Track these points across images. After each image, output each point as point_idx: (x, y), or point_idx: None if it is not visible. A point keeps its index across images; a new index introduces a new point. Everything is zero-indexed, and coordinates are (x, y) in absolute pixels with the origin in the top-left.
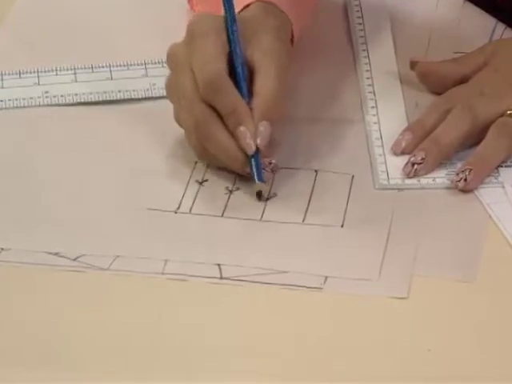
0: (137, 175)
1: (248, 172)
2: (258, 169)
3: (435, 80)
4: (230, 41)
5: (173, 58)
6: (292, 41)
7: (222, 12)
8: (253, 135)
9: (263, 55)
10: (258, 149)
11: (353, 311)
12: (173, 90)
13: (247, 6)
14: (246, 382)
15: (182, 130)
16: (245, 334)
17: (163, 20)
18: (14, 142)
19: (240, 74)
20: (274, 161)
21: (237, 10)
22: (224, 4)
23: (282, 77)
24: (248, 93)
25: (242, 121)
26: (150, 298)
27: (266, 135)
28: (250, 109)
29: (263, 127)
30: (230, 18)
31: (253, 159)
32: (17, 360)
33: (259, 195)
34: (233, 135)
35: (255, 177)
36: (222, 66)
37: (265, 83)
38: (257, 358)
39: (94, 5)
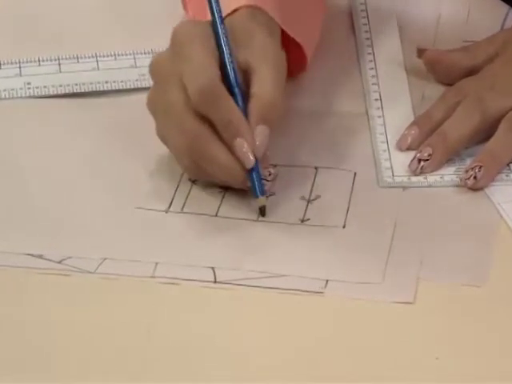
0: (125, 172)
1: (249, 186)
2: (258, 182)
3: (444, 69)
4: (218, 46)
5: (157, 69)
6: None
7: (208, 16)
8: (251, 146)
9: (257, 56)
10: (256, 160)
11: (355, 317)
12: (158, 105)
13: (234, 11)
14: None
15: None
16: (240, 342)
17: (151, 8)
18: None
19: (233, 80)
20: (273, 170)
21: (223, 15)
22: (210, 5)
23: (279, 77)
24: (243, 99)
25: (238, 132)
26: (140, 303)
27: (265, 141)
28: (246, 116)
29: (260, 133)
30: (219, 20)
31: (253, 173)
32: (2, 364)
33: (262, 210)
34: (229, 149)
35: (257, 192)
36: (214, 73)
37: (261, 85)
38: (253, 366)
39: None
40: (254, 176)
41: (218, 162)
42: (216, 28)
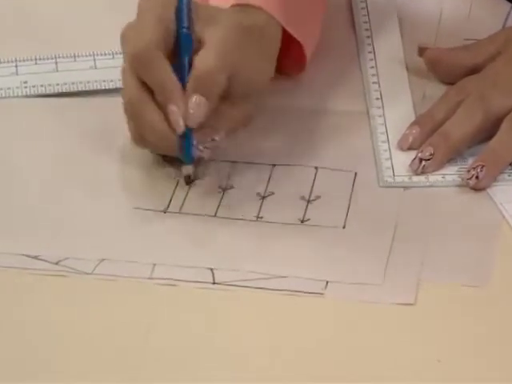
0: (122, 172)
1: (187, 172)
2: (187, 149)
3: (445, 68)
4: (177, 16)
5: (122, 39)
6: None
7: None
8: (182, 113)
9: (212, 28)
10: (188, 128)
11: (356, 319)
12: (121, 73)
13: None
14: None
15: None
16: (239, 344)
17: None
18: None
19: (182, 48)
20: (217, 137)
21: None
22: None
23: (226, 52)
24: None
25: (171, 98)
26: (137, 305)
27: (199, 111)
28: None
29: (195, 102)
30: None
31: (182, 139)
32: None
33: (187, 179)
34: (165, 115)
35: (184, 157)
36: (151, 38)
37: (202, 55)
38: (252, 368)
39: None
40: (183, 143)
41: (153, 126)
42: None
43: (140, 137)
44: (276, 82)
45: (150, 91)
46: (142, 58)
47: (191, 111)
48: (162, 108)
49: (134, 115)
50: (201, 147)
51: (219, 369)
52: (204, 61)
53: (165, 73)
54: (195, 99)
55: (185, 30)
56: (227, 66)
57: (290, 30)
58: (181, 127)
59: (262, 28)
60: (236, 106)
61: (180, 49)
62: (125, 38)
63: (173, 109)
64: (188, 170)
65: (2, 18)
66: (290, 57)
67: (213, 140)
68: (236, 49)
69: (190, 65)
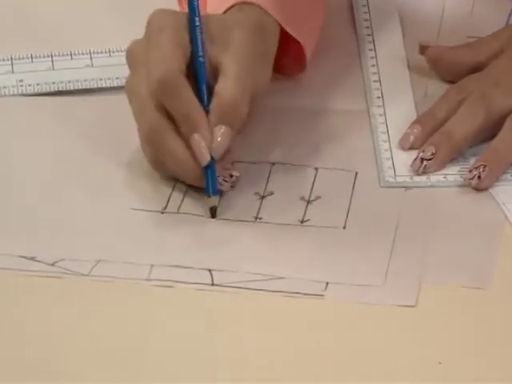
0: (119, 172)
1: (204, 185)
2: (212, 180)
3: (447, 67)
4: (191, 39)
5: (130, 56)
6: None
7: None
8: (208, 143)
9: (228, 53)
10: (213, 159)
11: (356, 320)
12: (129, 91)
13: (230, 8)
14: None
15: None
16: (238, 346)
17: (146, 5)
18: None
19: (200, 76)
20: (236, 173)
21: (220, 11)
22: None
23: (246, 77)
24: (209, 97)
25: (196, 127)
26: (135, 307)
27: (224, 142)
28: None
29: (220, 132)
30: (192, 12)
31: (208, 171)
32: None
33: (213, 211)
34: (187, 144)
35: (209, 189)
36: (176, 65)
37: (225, 83)
38: (251, 369)
39: None
40: (209, 174)
41: (174, 155)
42: (191, 20)
43: (159, 163)
44: (276, 81)
45: (172, 119)
46: (168, 85)
47: (218, 140)
48: (185, 137)
49: (154, 143)
50: (220, 179)
51: (217, 372)
52: (227, 90)
53: (191, 102)
54: (221, 130)
55: (201, 58)
56: (249, 90)
57: (288, 29)
58: (206, 158)
59: (263, 29)
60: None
61: (197, 76)
62: (136, 55)
63: (198, 139)
64: (214, 201)
65: (1, 16)
66: (289, 56)
67: (231, 176)
68: (253, 68)
69: (208, 92)
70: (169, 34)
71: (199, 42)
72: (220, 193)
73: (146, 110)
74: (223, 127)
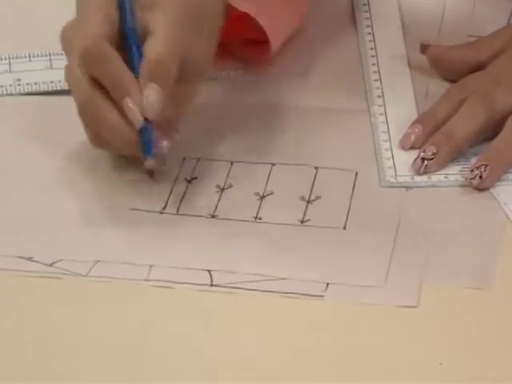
0: (118, 172)
1: (149, 165)
2: (148, 142)
3: (448, 66)
4: (120, 5)
5: (63, 40)
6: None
7: None
8: (140, 106)
9: (156, 14)
10: (148, 121)
11: (356, 321)
12: (67, 76)
13: None
14: None
15: None
16: (238, 347)
17: None
18: None
19: (130, 41)
20: (177, 137)
21: None
22: None
23: (174, 36)
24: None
25: (126, 91)
26: (134, 308)
27: (154, 100)
28: None
29: (149, 91)
30: None
31: (142, 132)
32: None
33: (150, 172)
34: (121, 111)
35: (144, 150)
36: (100, 32)
37: (151, 42)
38: (250, 371)
39: None
40: (143, 136)
41: (110, 124)
42: None
43: (98, 138)
44: (276, 81)
45: (103, 88)
46: (93, 53)
47: (148, 100)
48: (118, 104)
49: (90, 115)
50: (160, 143)
51: (217, 372)
52: (154, 49)
53: (118, 66)
54: (150, 89)
55: (130, 24)
56: (178, 50)
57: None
58: (139, 120)
59: (203, 3)
60: (183, 85)
61: (127, 40)
62: (68, 36)
63: (129, 102)
64: (150, 164)
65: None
66: (258, 46)
67: (170, 136)
68: (183, 30)
69: (139, 56)
70: (93, 4)
71: (128, 8)
72: (159, 154)
73: (77, 84)
74: (152, 85)
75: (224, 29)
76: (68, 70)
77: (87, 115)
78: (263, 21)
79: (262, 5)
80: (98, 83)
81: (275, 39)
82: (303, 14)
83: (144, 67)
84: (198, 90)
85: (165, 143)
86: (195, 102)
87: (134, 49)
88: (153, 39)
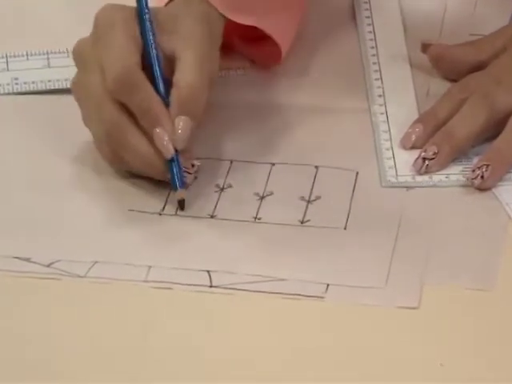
0: (117, 173)
1: (169, 178)
2: (179, 174)
3: (449, 65)
4: (142, 32)
5: (79, 55)
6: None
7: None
8: (170, 136)
9: (181, 42)
10: (177, 151)
11: (357, 323)
12: (81, 91)
13: (171, 1)
14: None
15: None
16: (238, 347)
17: None
18: None
19: (155, 68)
20: (197, 162)
21: (162, 4)
22: None
23: (203, 64)
24: (166, 88)
25: (158, 121)
26: (134, 308)
27: (186, 132)
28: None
29: (182, 122)
30: (143, 4)
31: (173, 164)
32: None
33: (181, 204)
34: (149, 139)
35: (176, 184)
36: (132, 60)
37: (183, 72)
38: (251, 371)
39: None
40: (174, 167)
41: (137, 151)
42: (140, 13)
43: (118, 158)
44: (276, 80)
45: (131, 116)
46: (126, 82)
47: (180, 132)
48: (146, 132)
49: (115, 140)
50: (190, 171)
51: (217, 372)
52: (185, 78)
53: (150, 95)
54: (182, 120)
55: (155, 50)
56: (207, 77)
57: (232, 17)
58: (170, 151)
59: (210, 20)
60: None
61: (152, 68)
62: (84, 52)
63: (161, 132)
64: (182, 194)
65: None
66: (265, 50)
67: (193, 166)
68: (207, 56)
69: (164, 82)
70: (120, 29)
71: (150, 34)
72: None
73: (103, 108)
74: (183, 117)
75: (227, 28)
76: (85, 89)
77: (113, 140)
78: (269, 29)
79: (263, 13)
80: (125, 108)
81: (284, 43)
82: (303, 14)
83: (175, 97)
84: (207, 99)
85: (188, 176)
86: None
87: (160, 76)
88: (183, 68)
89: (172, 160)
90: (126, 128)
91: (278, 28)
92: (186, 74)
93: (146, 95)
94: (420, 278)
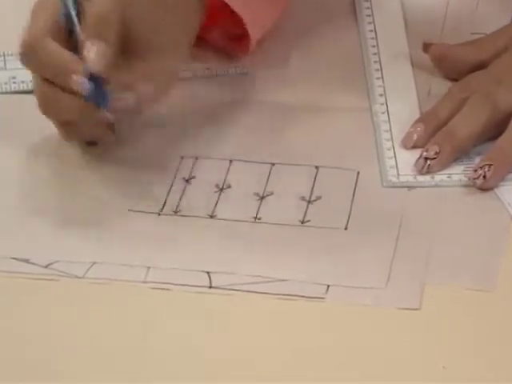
0: (116, 172)
1: (107, 118)
2: (100, 95)
3: (450, 65)
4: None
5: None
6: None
7: None
8: (82, 74)
9: None
10: (97, 78)
11: (358, 324)
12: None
13: None
14: None
15: (171, 121)
16: (238, 348)
17: None
18: None
19: (75, 28)
20: (129, 94)
21: None
22: None
23: None
24: None
25: (70, 70)
26: (131, 310)
27: (99, 55)
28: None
29: (92, 44)
30: None
31: (95, 86)
32: None
33: (90, 143)
34: (72, 93)
35: (99, 104)
36: (38, 28)
37: (93, 2)
38: (251, 372)
39: None
40: (98, 93)
41: (67, 107)
42: None
43: (66, 128)
44: (276, 80)
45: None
46: (29, 48)
47: (91, 55)
48: (66, 88)
49: (47, 110)
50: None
51: (217, 372)
52: (94, 5)
53: (57, 51)
54: (90, 44)
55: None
56: (117, 5)
57: None
58: (85, 85)
59: None
60: (149, 62)
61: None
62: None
63: (72, 78)
64: (106, 116)
65: None
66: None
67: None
68: None
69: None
70: (43, 8)
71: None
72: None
73: (34, 87)
74: (94, 41)
75: (206, 22)
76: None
77: (44, 108)
78: (245, 15)
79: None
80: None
81: (254, 34)
82: (283, 10)
83: (85, 24)
84: (175, 70)
85: (129, 95)
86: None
87: (78, 28)
88: None
89: (96, 88)
90: (47, 91)
91: (250, 12)
92: (95, 1)
93: (53, 51)
94: (421, 279)
